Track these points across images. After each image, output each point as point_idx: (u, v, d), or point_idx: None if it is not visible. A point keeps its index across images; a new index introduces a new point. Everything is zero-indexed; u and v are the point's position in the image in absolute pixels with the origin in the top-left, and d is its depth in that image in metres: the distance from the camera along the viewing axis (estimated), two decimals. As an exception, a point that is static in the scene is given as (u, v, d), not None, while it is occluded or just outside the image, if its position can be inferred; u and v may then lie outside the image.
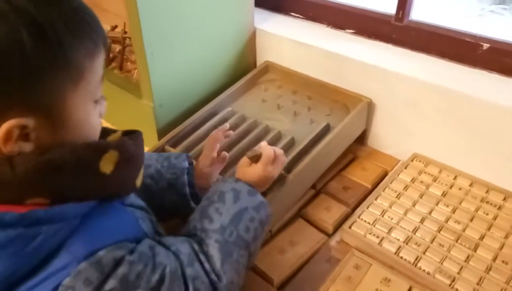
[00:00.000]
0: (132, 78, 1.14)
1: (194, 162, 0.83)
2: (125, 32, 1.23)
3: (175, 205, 0.78)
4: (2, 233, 0.44)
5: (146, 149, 0.96)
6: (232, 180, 0.69)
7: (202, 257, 0.59)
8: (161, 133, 1.02)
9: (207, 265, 0.58)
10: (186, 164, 0.79)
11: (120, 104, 1.07)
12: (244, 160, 0.75)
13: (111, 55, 1.25)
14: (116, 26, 1.28)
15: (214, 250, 0.60)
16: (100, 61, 0.51)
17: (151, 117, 1.00)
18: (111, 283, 0.47)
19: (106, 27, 1.30)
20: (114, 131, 0.58)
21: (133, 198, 0.60)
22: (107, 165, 0.50)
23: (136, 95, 1.02)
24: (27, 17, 0.43)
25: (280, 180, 0.82)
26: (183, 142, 0.96)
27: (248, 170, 0.73)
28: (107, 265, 0.47)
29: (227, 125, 0.87)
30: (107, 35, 0.51)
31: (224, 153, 0.83)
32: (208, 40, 1.07)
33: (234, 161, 0.91)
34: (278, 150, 0.77)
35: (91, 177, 0.49)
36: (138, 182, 0.56)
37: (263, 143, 0.78)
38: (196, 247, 0.59)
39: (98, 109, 0.53)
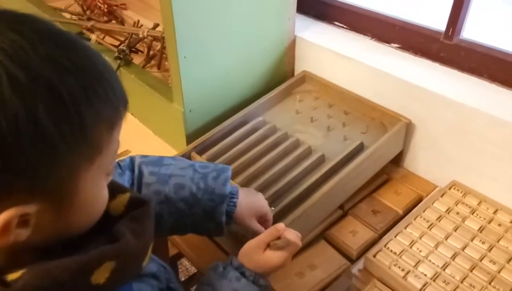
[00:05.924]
0: (168, 79, 1.13)
1: (238, 188, 0.74)
2: (165, 32, 1.23)
3: (207, 230, 0.73)
4: None
5: (174, 153, 0.95)
6: (234, 276, 0.60)
7: None
8: (190, 138, 1.01)
9: None
10: (226, 190, 0.69)
11: (152, 106, 1.07)
12: (259, 241, 0.65)
13: (151, 52, 1.25)
14: (157, 25, 1.28)
15: None
16: (119, 129, 0.43)
17: (180, 122, 0.99)
18: None
19: (149, 24, 1.31)
20: (122, 189, 0.51)
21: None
22: (101, 275, 0.42)
23: (167, 98, 1.02)
24: (46, 87, 0.36)
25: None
26: (211, 149, 0.94)
27: (261, 257, 0.64)
28: None
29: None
30: (126, 98, 0.44)
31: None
32: (245, 46, 1.05)
33: (259, 174, 0.89)
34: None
35: None
36: (144, 263, 0.48)
37: (289, 233, 0.66)
38: None
39: (108, 179, 0.46)
